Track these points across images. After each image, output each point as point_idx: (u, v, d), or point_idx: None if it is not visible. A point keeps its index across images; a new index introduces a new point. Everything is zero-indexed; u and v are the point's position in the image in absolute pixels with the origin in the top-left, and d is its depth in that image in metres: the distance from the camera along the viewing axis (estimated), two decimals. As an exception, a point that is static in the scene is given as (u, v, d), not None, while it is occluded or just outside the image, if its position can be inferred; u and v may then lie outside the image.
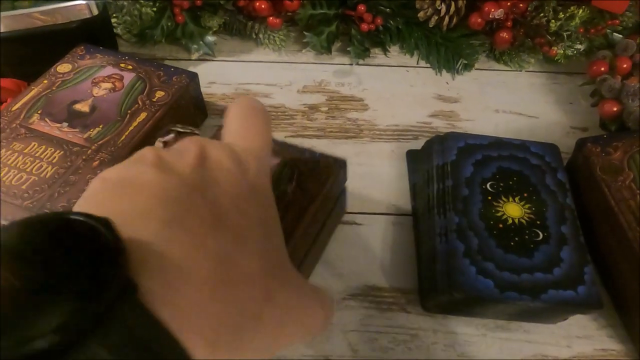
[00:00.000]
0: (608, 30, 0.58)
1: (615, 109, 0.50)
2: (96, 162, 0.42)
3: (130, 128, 0.45)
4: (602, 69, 0.53)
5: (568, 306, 0.36)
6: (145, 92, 0.48)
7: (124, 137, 0.44)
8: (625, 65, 0.53)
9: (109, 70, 0.50)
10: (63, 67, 0.50)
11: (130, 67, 0.50)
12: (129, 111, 0.46)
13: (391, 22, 0.62)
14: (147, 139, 0.44)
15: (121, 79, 0.49)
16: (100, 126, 0.45)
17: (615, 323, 0.40)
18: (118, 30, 0.61)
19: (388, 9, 0.61)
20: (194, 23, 0.60)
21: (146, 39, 0.60)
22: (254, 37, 0.63)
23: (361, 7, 0.59)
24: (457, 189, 0.42)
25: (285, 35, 0.62)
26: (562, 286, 0.36)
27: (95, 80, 0.49)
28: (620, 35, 0.58)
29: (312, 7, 0.59)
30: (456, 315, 0.41)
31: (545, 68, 0.61)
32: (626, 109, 0.49)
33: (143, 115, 0.46)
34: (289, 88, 0.58)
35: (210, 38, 0.61)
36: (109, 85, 0.48)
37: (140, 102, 0.47)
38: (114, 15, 0.60)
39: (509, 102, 0.57)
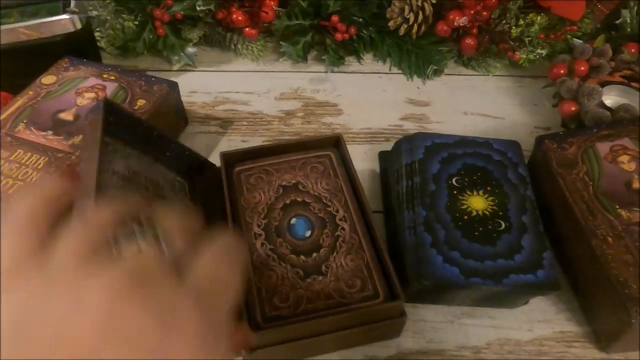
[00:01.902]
0: (568, 36, 0.61)
1: (573, 108, 0.53)
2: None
3: (113, 135, 0.47)
4: (562, 71, 0.56)
5: (528, 289, 0.38)
6: (127, 100, 0.50)
7: (106, 143, 0.46)
8: (582, 68, 0.56)
9: (92, 81, 0.52)
10: (48, 79, 0.52)
11: (112, 77, 0.53)
12: (112, 119, 0.48)
13: (364, 31, 0.65)
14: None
15: (104, 88, 0.51)
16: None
17: (574, 307, 0.42)
18: (102, 44, 0.64)
19: (361, 19, 0.64)
20: (175, 35, 0.63)
21: (129, 51, 0.62)
22: (233, 47, 0.65)
23: (335, 18, 0.62)
24: (424, 185, 0.44)
25: (263, 45, 0.64)
26: (522, 271, 0.38)
27: (79, 91, 0.51)
28: (581, 41, 0.62)
29: (288, 18, 0.62)
30: (425, 303, 0.43)
31: (511, 72, 0.64)
32: (583, 107, 0.52)
33: (125, 122, 0.48)
34: (267, 95, 0.61)
35: (190, 49, 0.63)
36: (92, 94, 0.51)
37: (122, 110, 0.49)
38: (97, 29, 0.63)
39: (477, 104, 0.60)
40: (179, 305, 0.19)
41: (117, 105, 0.35)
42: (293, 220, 0.41)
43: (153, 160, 0.40)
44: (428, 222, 0.42)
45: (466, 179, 0.45)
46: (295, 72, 0.64)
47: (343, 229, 0.41)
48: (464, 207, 0.43)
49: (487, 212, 0.43)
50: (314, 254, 0.39)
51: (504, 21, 0.59)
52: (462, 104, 0.60)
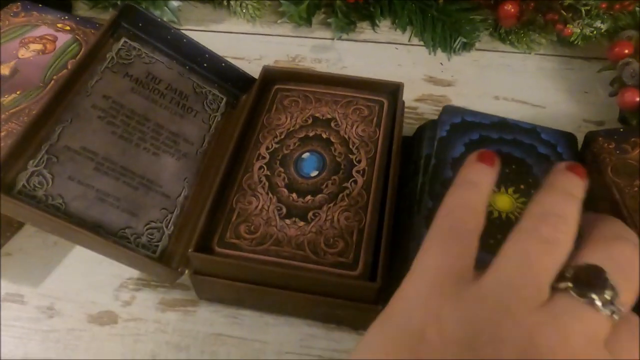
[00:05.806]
0: (638, 8, 0.49)
1: (637, 98, 0.41)
2: (3, 133, 0.36)
3: (52, 96, 0.38)
4: (626, 51, 0.44)
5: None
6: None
7: (42, 105, 0.37)
8: (653, 48, 0.44)
9: (43, 30, 0.43)
10: (-9, 25, 0.44)
11: (67, 27, 0.44)
12: (55, 77, 0.40)
13: (382, -8, 0.54)
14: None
15: (54, 40, 0.42)
16: (18, 92, 0.38)
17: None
18: (77, -7, 0.55)
19: (379, -23, 0.53)
20: (158, -14, 0.53)
21: (99, 0, 0.53)
22: (226, 4, 0.56)
23: (347, -26, 0.51)
24: (439, 170, 0.34)
25: (260, 3, 0.54)
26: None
27: (25, 41, 0.42)
28: (652, 15, 0.49)
29: (291, -29, 0.52)
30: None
31: (558, 51, 0.52)
32: (651, 99, 0.41)
33: (69, 81, 0.39)
34: (258, 62, 0.51)
35: (174, 3, 0.54)
36: (38, 46, 0.42)
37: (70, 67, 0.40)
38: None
39: (512, 88, 0.49)
40: None
41: (141, 10, 0.38)
42: (305, 155, 0.37)
43: (188, 70, 0.41)
44: (432, 217, 0.32)
45: None
46: (296, 37, 0.54)
47: (355, 181, 0.35)
48: None
49: (513, 216, 0.32)
50: (308, 197, 0.35)
51: (555, -16, 0.47)
52: (494, 86, 0.49)
